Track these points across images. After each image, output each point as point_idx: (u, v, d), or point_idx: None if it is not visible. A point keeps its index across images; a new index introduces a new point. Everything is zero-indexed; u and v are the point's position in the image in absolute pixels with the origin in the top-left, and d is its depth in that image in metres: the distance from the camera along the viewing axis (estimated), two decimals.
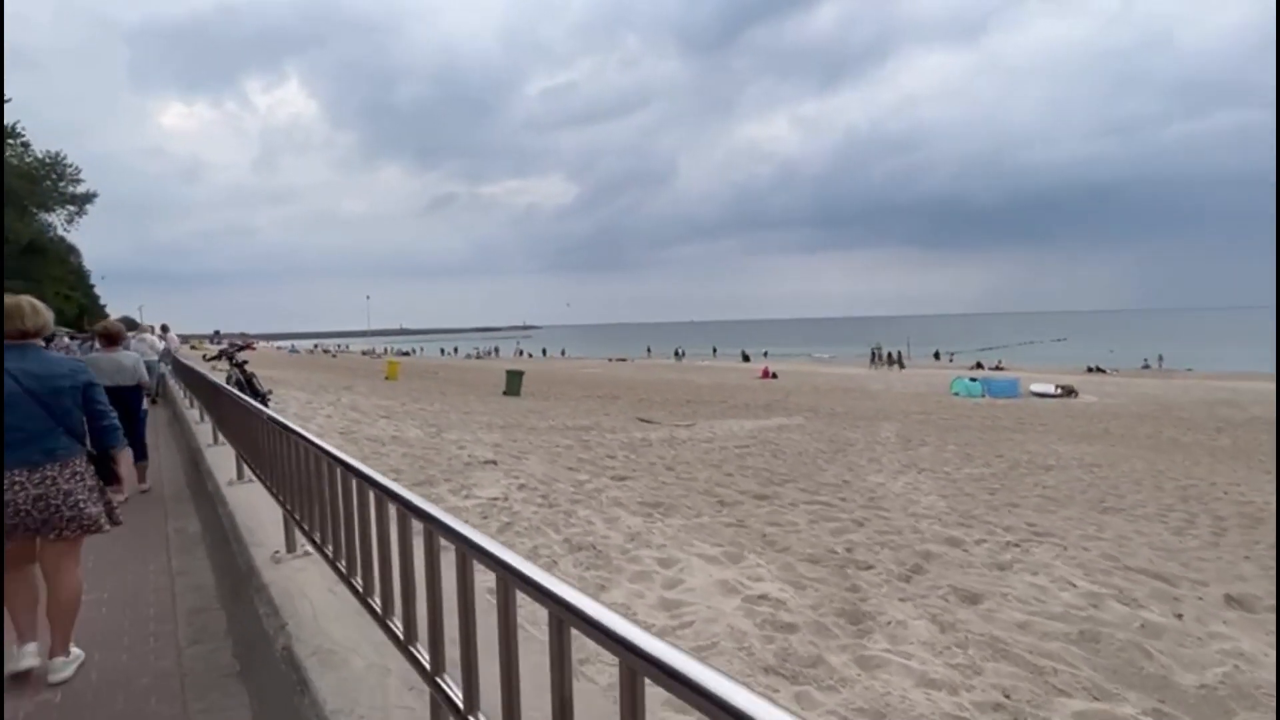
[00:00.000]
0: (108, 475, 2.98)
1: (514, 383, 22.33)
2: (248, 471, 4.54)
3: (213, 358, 11.39)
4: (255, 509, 4.10)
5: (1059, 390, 24.94)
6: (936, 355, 50.71)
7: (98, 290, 59.14)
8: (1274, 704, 3.00)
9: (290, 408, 11.68)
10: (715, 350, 67.30)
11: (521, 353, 76.97)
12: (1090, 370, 37.95)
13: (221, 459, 5.45)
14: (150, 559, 4.11)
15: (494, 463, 7.00)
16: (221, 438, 5.93)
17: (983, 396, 24.95)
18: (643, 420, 14.74)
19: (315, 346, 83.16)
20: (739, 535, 5.25)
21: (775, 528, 5.49)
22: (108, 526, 2.91)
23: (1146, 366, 42.31)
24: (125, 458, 3.12)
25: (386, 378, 27.88)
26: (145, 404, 6.25)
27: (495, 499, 5.55)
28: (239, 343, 13.65)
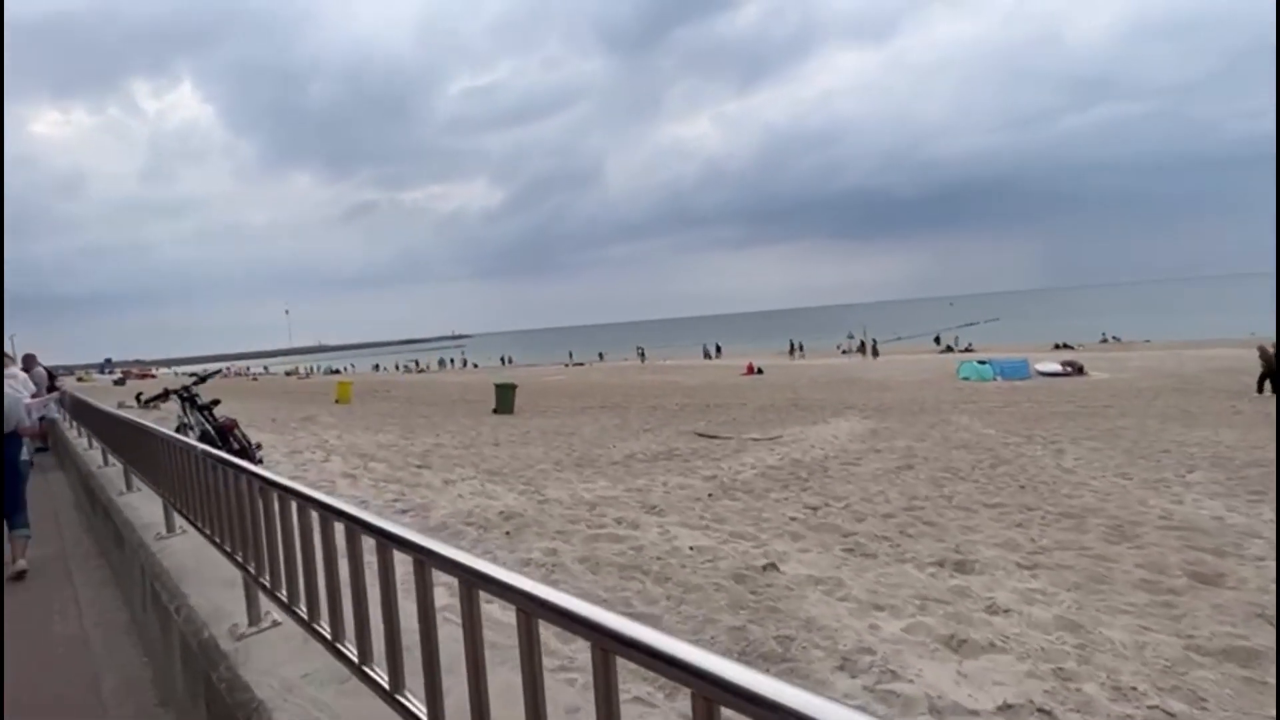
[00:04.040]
0: None
1: (506, 398, 19.42)
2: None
3: (152, 399, 7.99)
4: None
5: (1068, 369, 24.37)
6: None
7: None
8: None
9: (273, 458, 8.53)
10: (642, 351, 62.53)
11: (466, 363, 72.27)
12: (1057, 347, 38.51)
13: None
14: None
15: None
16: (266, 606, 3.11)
17: (995, 379, 24.05)
18: (704, 435, 12.32)
19: (229, 369, 73.19)
20: None
21: None
22: None
23: (1104, 340, 43.63)
24: None
25: (337, 400, 24.20)
26: (26, 453, 4.95)
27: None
28: (200, 373, 10.20)
